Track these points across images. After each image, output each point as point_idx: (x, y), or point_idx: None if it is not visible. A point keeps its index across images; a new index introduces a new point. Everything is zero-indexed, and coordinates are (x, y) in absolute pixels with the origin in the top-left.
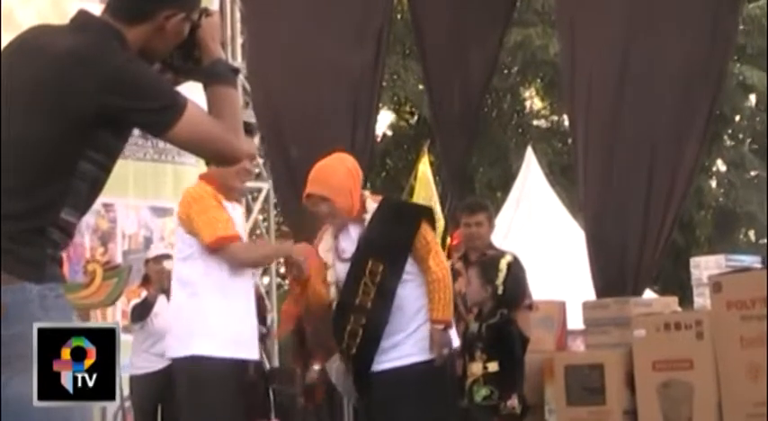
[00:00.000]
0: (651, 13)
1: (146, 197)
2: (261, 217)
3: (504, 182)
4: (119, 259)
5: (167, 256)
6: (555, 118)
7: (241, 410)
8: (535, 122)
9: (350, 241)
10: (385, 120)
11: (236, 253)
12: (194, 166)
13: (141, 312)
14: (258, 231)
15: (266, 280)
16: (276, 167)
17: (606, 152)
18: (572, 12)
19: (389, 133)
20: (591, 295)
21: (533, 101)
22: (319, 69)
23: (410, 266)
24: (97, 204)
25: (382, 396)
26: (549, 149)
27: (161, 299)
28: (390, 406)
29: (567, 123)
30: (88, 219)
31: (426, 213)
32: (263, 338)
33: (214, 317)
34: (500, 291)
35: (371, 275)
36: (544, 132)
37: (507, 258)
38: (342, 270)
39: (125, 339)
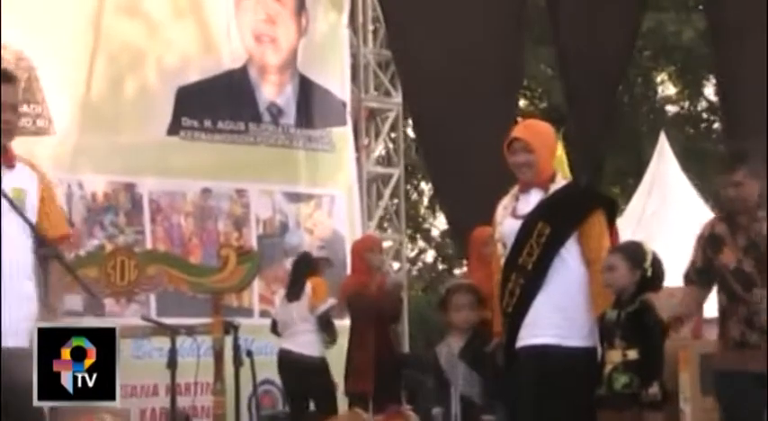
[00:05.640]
0: None
1: (278, 182)
2: (392, 202)
3: (637, 168)
4: (253, 244)
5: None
6: (687, 103)
7: None
8: (668, 107)
9: (527, 204)
10: None
11: None
12: (327, 152)
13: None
14: (389, 216)
15: None
16: (427, 146)
17: None
18: None
19: (519, 119)
20: None
21: (666, 86)
22: (459, 49)
23: (575, 249)
24: (230, 190)
25: (524, 371)
26: (682, 135)
27: None
28: (529, 383)
29: (699, 108)
30: (221, 205)
31: (608, 204)
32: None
33: None
34: (649, 273)
35: (538, 237)
36: (677, 118)
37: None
38: (511, 227)
39: (256, 323)
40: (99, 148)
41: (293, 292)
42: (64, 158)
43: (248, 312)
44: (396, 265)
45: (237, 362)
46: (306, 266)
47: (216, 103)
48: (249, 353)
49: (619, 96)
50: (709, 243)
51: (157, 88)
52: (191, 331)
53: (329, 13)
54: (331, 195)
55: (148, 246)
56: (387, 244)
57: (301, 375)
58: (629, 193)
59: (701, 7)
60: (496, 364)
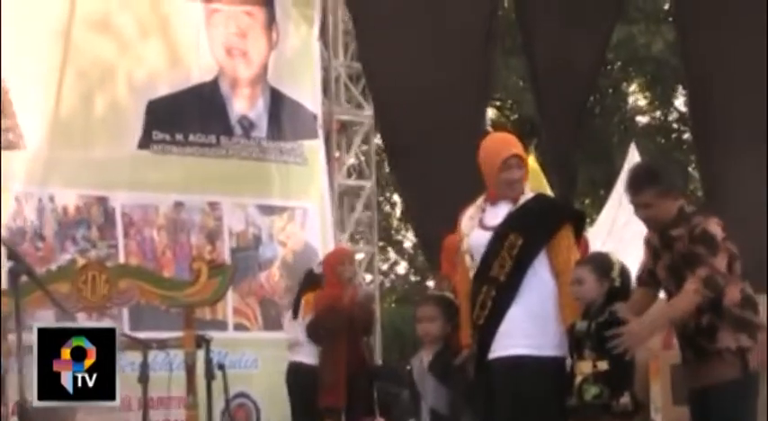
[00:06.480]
0: None
1: (251, 195)
2: (364, 215)
3: (608, 179)
4: (227, 257)
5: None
6: (658, 114)
7: None
8: (639, 118)
9: (495, 215)
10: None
11: None
12: (299, 165)
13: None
14: (361, 229)
15: None
16: (397, 158)
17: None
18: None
19: (490, 130)
20: None
21: (636, 97)
22: (429, 62)
23: (546, 260)
24: (202, 203)
25: (498, 382)
26: (653, 145)
27: None
28: (504, 394)
29: (670, 119)
30: (194, 218)
31: (576, 216)
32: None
33: None
34: (617, 283)
35: (510, 248)
36: (648, 128)
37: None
38: (479, 238)
39: (230, 336)
40: (70, 162)
41: (294, 309)
42: (35, 172)
43: (222, 325)
44: (368, 277)
45: (209, 376)
46: (306, 283)
47: (187, 116)
48: (221, 367)
49: (590, 107)
50: (651, 251)
51: (128, 102)
52: (162, 345)
53: (300, 27)
54: (303, 208)
55: (121, 259)
56: (359, 256)
57: (308, 383)
58: (600, 204)
59: (670, 19)
60: (466, 376)
